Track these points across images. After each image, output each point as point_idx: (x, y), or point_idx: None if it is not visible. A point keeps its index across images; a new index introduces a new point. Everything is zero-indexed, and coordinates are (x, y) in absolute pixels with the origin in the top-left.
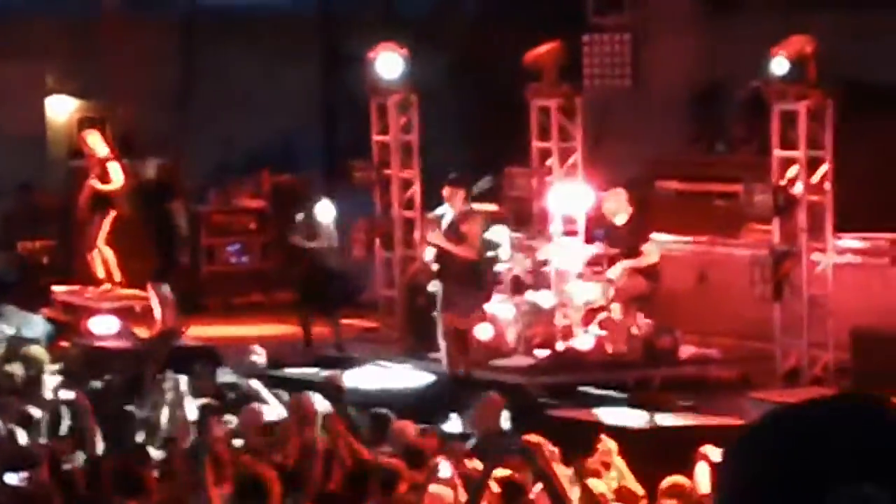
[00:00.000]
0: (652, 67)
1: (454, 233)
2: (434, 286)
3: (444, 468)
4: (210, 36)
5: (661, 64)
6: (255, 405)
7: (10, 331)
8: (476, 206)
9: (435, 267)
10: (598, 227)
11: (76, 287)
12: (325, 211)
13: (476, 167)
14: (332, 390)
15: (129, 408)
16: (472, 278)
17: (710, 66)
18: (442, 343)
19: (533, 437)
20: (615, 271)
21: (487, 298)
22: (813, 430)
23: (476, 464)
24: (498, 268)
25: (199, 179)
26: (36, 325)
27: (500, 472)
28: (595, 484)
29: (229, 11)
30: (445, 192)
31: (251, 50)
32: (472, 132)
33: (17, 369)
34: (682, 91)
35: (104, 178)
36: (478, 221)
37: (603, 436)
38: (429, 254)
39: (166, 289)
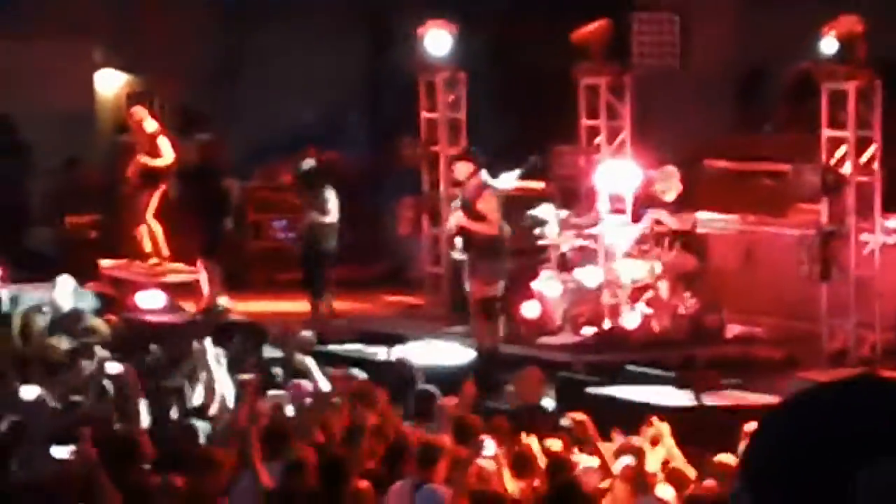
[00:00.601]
0: (700, 47)
1: (470, 212)
2: (460, 255)
3: (489, 445)
4: (256, 11)
5: (709, 43)
6: (302, 381)
7: (64, 303)
8: (524, 183)
9: (459, 241)
10: (645, 206)
11: (123, 261)
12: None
13: (523, 145)
14: (402, 370)
15: (175, 382)
16: (493, 252)
17: (758, 46)
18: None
19: (578, 415)
20: (662, 251)
21: (534, 276)
22: (846, 406)
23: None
24: (544, 244)
25: (245, 155)
26: (87, 298)
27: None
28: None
29: None
30: (455, 168)
31: (297, 25)
32: (519, 110)
33: (62, 342)
34: (730, 70)
35: (153, 153)
36: (492, 196)
37: (654, 418)
38: (452, 228)
39: (215, 264)
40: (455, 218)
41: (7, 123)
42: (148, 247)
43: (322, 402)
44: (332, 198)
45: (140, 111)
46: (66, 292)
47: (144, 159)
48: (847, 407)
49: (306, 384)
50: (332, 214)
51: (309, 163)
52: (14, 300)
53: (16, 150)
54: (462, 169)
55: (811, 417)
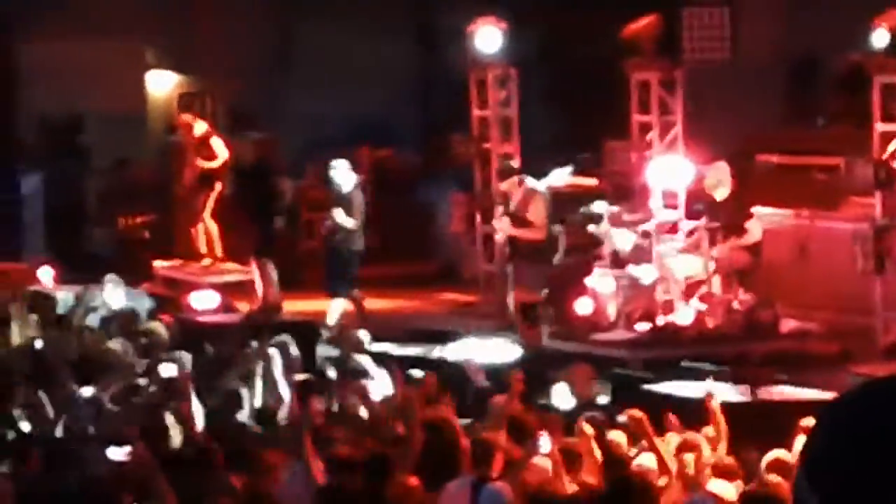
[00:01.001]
0: (750, 40)
1: (518, 220)
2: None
3: (545, 442)
4: (307, 9)
5: (760, 36)
6: (360, 381)
7: (115, 304)
8: (576, 180)
9: (506, 250)
10: (698, 202)
11: (177, 262)
12: (346, 177)
13: (575, 141)
14: (458, 368)
15: (230, 384)
16: (539, 257)
17: (809, 38)
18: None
19: (634, 412)
20: (721, 251)
21: (588, 272)
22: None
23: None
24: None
25: (297, 154)
26: (140, 299)
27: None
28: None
29: None
30: (503, 186)
31: (347, 23)
32: (570, 106)
33: (118, 344)
34: (781, 64)
35: (207, 154)
36: (540, 201)
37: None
38: (500, 236)
39: (269, 264)
40: (502, 226)
41: (72, 124)
42: (203, 247)
43: (380, 400)
44: (357, 200)
45: (187, 116)
46: (116, 292)
47: (200, 162)
48: None
49: (362, 383)
50: (356, 218)
51: (339, 164)
52: (69, 301)
53: (73, 152)
54: (506, 184)
55: (870, 412)
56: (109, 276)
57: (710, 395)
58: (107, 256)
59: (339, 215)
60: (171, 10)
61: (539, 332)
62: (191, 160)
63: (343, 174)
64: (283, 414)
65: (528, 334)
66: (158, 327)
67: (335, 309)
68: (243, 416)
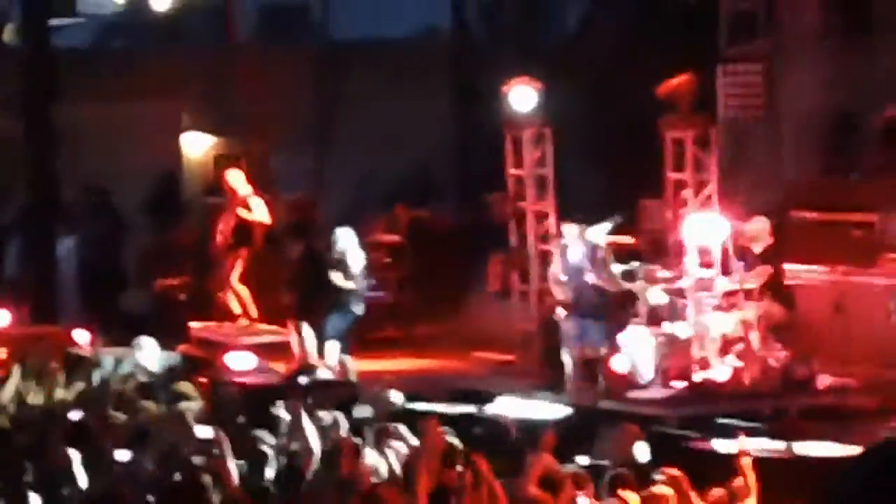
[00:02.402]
0: (786, 95)
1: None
2: (565, 320)
3: (583, 502)
4: (343, 69)
5: (795, 91)
6: (396, 443)
7: (149, 365)
8: (612, 238)
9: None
10: (735, 258)
11: (213, 323)
12: (349, 244)
13: (611, 199)
14: (497, 427)
15: (266, 445)
16: (603, 310)
17: (845, 93)
18: (571, 376)
19: (672, 470)
20: (758, 307)
21: (620, 328)
22: None
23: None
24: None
25: (336, 214)
26: (174, 361)
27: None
28: None
29: (363, 44)
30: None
31: (385, 83)
32: (606, 164)
33: (152, 406)
34: (817, 118)
35: (247, 214)
36: (608, 254)
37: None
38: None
39: (306, 325)
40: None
41: (101, 187)
42: (236, 308)
43: (416, 460)
44: (356, 263)
45: (233, 174)
46: (150, 354)
47: (241, 213)
48: None
49: (398, 444)
50: (356, 280)
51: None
52: (107, 364)
53: (109, 213)
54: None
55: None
56: (144, 339)
57: (742, 452)
58: (145, 318)
59: (338, 279)
60: (208, 70)
61: (595, 389)
62: (228, 218)
63: (345, 240)
64: (311, 473)
65: (584, 392)
66: (189, 389)
67: (331, 352)
68: (270, 473)
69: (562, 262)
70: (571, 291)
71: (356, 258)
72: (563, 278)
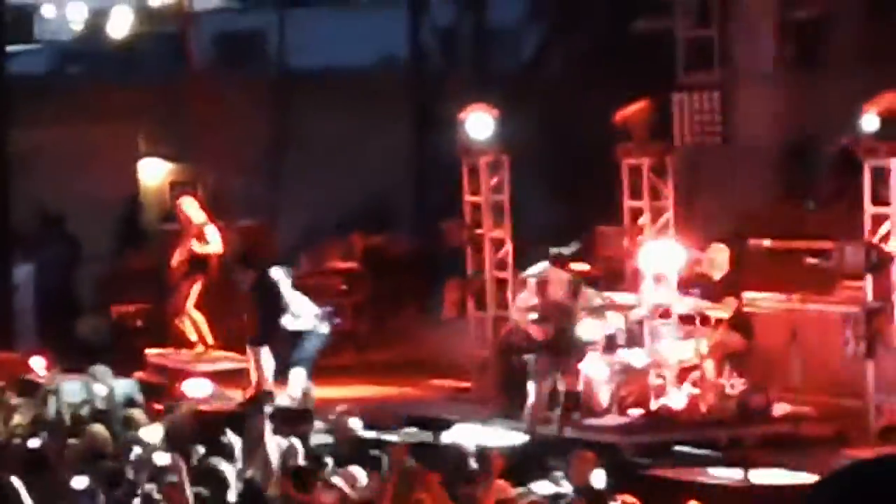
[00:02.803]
0: (741, 124)
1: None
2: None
3: None
4: (300, 97)
5: (751, 120)
6: (353, 468)
7: (102, 392)
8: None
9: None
10: (692, 285)
11: (170, 350)
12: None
13: (568, 227)
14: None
15: (222, 469)
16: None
17: (800, 122)
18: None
19: (628, 498)
20: (714, 335)
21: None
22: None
23: None
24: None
25: (292, 241)
26: (128, 387)
27: None
28: None
29: (319, 73)
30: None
31: (341, 111)
32: (562, 191)
33: (101, 430)
34: (772, 147)
35: (201, 242)
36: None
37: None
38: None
39: (265, 352)
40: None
41: (63, 212)
42: (192, 335)
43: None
44: (294, 301)
45: (187, 201)
46: (104, 382)
47: (194, 246)
48: (882, 488)
49: (357, 470)
50: (302, 319)
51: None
52: (62, 390)
53: (65, 239)
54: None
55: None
56: (98, 367)
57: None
58: (101, 345)
59: (290, 323)
60: (164, 97)
61: (552, 417)
62: (183, 245)
63: (281, 280)
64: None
65: (541, 420)
66: (140, 416)
67: (296, 380)
68: (231, 497)
69: (540, 300)
70: (551, 329)
71: (291, 296)
72: (534, 316)
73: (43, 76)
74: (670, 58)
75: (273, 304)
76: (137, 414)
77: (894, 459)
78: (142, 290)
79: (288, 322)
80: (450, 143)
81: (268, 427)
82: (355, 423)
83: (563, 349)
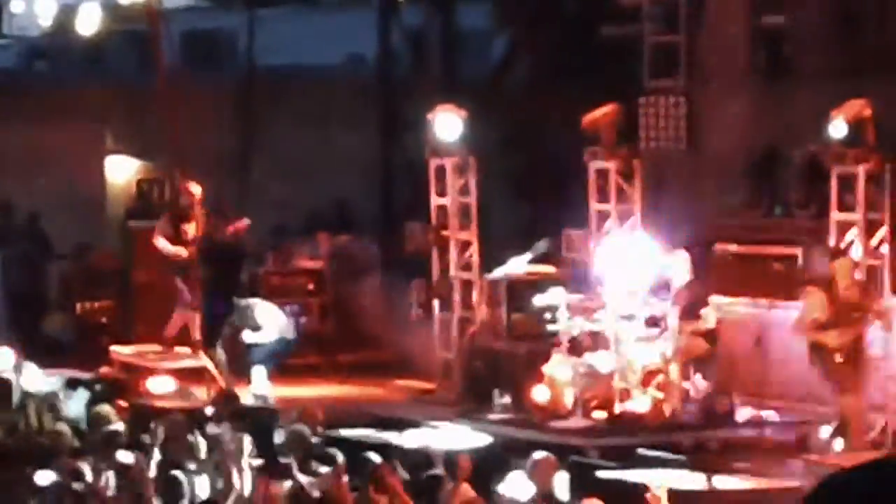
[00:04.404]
0: (708, 130)
1: None
2: None
3: None
4: (267, 98)
5: (718, 127)
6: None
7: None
8: (534, 268)
9: None
10: (656, 290)
11: (134, 347)
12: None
13: (534, 229)
14: (415, 455)
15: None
16: None
17: (767, 129)
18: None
19: (592, 501)
20: (673, 335)
21: (545, 360)
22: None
23: None
24: (555, 328)
25: (257, 241)
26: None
27: None
28: None
29: (288, 71)
30: None
31: (309, 112)
32: (528, 194)
33: (64, 427)
34: (739, 154)
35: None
36: None
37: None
38: None
39: (220, 351)
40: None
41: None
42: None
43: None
44: (263, 313)
45: (196, 187)
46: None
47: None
48: (883, 491)
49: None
50: (264, 331)
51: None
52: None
53: (33, 236)
54: None
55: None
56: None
57: (647, 487)
58: (66, 341)
59: (249, 336)
60: (132, 95)
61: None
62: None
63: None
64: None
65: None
66: (108, 411)
67: (259, 377)
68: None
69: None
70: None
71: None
72: None
73: (10, 72)
74: (637, 64)
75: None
76: (106, 410)
77: (890, 465)
78: (107, 287)
79: (247, 336)
80: (417, 144)
81: (225, 428)
82: (318, 421)
83: None
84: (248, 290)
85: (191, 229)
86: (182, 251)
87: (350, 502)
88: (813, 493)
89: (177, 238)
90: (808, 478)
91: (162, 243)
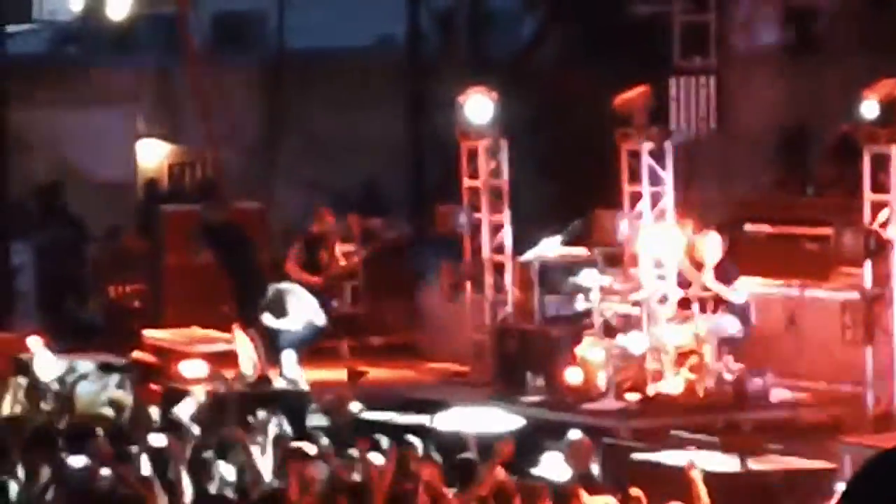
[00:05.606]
0: (739, 110)
1: None
2: None
3: None
4: (296, 79)
5: (748, 106)
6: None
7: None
8: (566, 250)
9: None
10: (691, 270)
11: (167, 331)
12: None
13: (566, 211)
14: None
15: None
16: None
17: (798, 108)
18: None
19: (633, 490)
20: (711, 320)
21: (577, 342)
22: None
23: None
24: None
25: (287, 224)
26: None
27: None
28: None
29: (316, 54)
30: None
31: (338, 93)
32: (560, 175)
33: (108, 411)
34: (770, 133)
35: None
36: None
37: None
38: None
39: (253, 333)
40: None
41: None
42: None
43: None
44: (293, 299)
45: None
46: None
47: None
48: None
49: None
50: (292, 316)
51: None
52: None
53: (66, 220)
54: None
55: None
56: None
57: (690, 465)
58: (97, 325)
59: (268, 319)
60: (162, 78)
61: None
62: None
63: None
64: (262, 487)
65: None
66: (123, 396)
67: (289, 361)
68: (213, 488)
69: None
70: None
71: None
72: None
73: (41, 56)
74: (667, 42)
75: (258, 286)
76: (121, 396)
77: None
78: (139, 271)
79: (274, 322)
80: (445, 125)
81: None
82: (353, 406)
83: None
84: (279, 276)
85: (325, 256)
86: (316, 280)
87: (387, 487)
88: (861, 472)
89: (311, 265)
90: (842, 459)
91: (294, 270)
